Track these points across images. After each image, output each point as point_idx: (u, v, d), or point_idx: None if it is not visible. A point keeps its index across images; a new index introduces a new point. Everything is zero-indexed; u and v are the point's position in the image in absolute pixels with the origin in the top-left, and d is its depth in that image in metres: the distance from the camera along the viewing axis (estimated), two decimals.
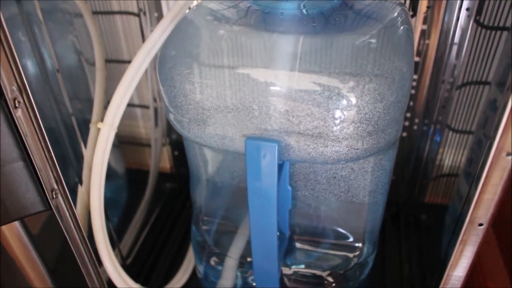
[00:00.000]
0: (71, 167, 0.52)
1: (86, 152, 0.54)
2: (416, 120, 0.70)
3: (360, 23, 0.42)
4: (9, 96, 0.36)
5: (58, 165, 0.43)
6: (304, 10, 0.42)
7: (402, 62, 0.38)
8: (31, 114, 0.39)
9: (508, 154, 0.33)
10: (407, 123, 0.71)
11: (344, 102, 0.35)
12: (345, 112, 0.35)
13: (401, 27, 0.43)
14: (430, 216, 0.75)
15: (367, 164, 0.44)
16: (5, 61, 0.36)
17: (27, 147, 0.39)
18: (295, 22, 0.41)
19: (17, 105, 0.37)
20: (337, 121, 0.35)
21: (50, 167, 0.42)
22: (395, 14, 0.45)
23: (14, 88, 0.37)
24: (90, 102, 0.62)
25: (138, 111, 0.81)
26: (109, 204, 0.71)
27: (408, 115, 0.70)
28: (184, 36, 0.44)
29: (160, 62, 0.42)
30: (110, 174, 0.72)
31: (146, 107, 0.80)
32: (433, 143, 0.71)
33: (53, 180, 0.43)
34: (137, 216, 0.77)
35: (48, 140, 0.41)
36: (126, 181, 0.78)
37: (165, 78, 0.41)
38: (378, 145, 0.38)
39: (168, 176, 0.88)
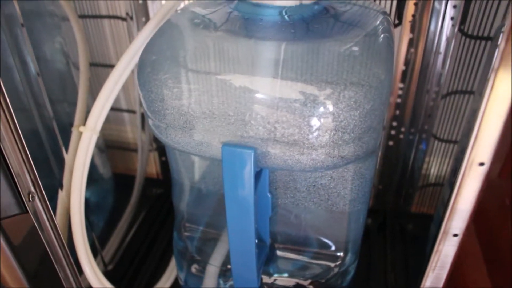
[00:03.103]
0: (53, 171, 0.52)
1: (67, 157, 0.53)
2: (403, 129, 0.70)
3: (340, 31, 0.42)
4: None
5: (38, 169, 0.43)
6: (285, 16, 0.41)
7: (380, 70, 0.38)
8: (8, 117, 0.38)
9: (480, 164, 0.33)
10: (393, 132, 0.71)
11: (319, 109, 0.35)
12: (320, 120, 0.35)
13: (382, 36, 0.43)
14: (416, 225, 0.75)
15: (346, 172, 0.44)
16: None
17: (3, 150, 0.39)
18: (274, 28, 0.40)
19: None
20: (313, 129, 0.35)
21: (27, 170, 0.42)
22: (377, 22, 0.45)
23: None
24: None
25: (125, 116, 0.81)
26: (94, 209, 0.71)
27: (395, 124, 0.70)
28: (164, 41, 0.43)
29: (140, 66, 0.42)
30: (96, 178, 0.72)
31: (133, 112, 0.79)
32: (419, 153, 0.71)
33: (30, 183, 0.42)
34: (122, 221, 0.76)
35: (28, 144, 0.41)
36: (113, 186, 0.78)
37: (144, 82, 0.40)
38: (356, 153, 0.38)
39: (155, 182, 0.87)
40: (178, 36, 0.44)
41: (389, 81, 0.40)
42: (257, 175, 0.42)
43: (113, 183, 0.78)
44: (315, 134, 0.35)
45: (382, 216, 0.77)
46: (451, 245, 0.38)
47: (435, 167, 0.70)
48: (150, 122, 0.42)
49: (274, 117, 0.36)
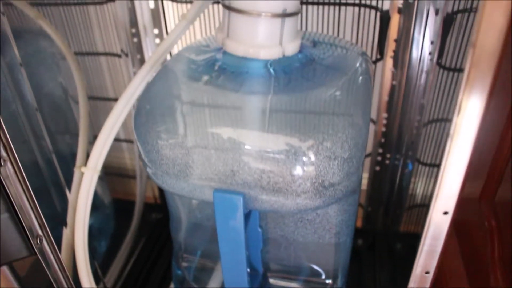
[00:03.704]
0: (57, 209, 0.55)
1: (70, 195, 0.57)
2: (388, 155, 0.73)
3: (321, 79, 0.46)
4: None
5: (43, 210, 0.46)
6: (270, 69, 0.45)
7: (357, 118, 0.42)
8: (16, 169, 0.42)
9: (444, 213, 0.36)
10: (380, 158, 0.74)
11: (300, 160, 0.38)
12: (301, 170, 0.39)
13: (360, 78, 0.46)
14: (404, 245, 0.78)
15: (330, 209, 0.48)
16: None
17: (12, 199, 0.43)
18: (259, 81, 0.44)
19: (2, 164, 0.40)
20: (295, 178, 0.39)
21: (35, 216, 0.45)
22: (356, 65, 0.48)
23: (1, 147, 0.40)
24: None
25: (123, 144, 0.85)
26: (96, 234, 0.74)
27: (381, 150, 0.73)
28: (159, 90, 0.47)
29: (136, 115, 0.46)
30: (97, 205, 0.75)
31: (131, 141, 0.83)
32: (404, 176, 0.74)
33: (37, 227, 0.46)
34: (124, 246, 0.80)
35: (31, 183, 0.44)
36: (113, 211, 0.81)
37: (140, 133, 0.44)
38: (336, 196, 0.42)
39: (154, 207, 0.91)
40: (172, 87, 0.47)
41: (366, 126, 0.43)
42: (247, 214, 0.45)
43: (113, 209, 0.81)
44: (297, 183, 0.39)
45: (372, 237, 0.81)
46: (423, 281, 0.42)
47: (420, 189, 0.74)
48: (147, 169, 0.46)
49: (260, 168, 0.39)
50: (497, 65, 0.31)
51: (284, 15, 0.43)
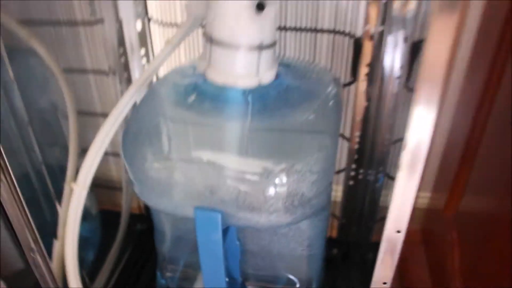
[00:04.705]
0: (46, 219, 0.59)
1: (61, 209, 0.60)
2: (361, 171, 0.78)
3: (294, 106, 0.50)
4: None
5: (37, 224, 0.50)
6: (248, 97, 0.49)
7: (326, 141, 0.47)
8: (12, 189, 0.45)
9: (397, 232, 0.41)
10: (353, 173, 0.79)
11: (273, 183, 0.43)
12: (274, 191, 0.43)
13: (331, 103, 0.51)
14: (375, 254, 0.83)
15: (302, 224, 0.52)
16: None
17: (8, 214, 0.46)
18: (237, 108, 0.48)
19: None
20: (267, 198, 0.43)
21: (29, 230, 0.49)
22: (328, 90, 0.53)
23: None
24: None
25: (110, 157, 0.88)
26: (83, 244, 0.77)
27: (354, 166, 0.78)
28: (146, 113, 0.51)
29: (124, 137, 0.50)
30: (84, 215, 0.78)
31: (118, 155, 0.86)
32: (376, 190, 0.79)
33: (31, 241, 0.49)
34: (110, 256, 0.83)
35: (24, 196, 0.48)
36: (100, 222, 0.84)
37: (127, 154, 0.48)
38: (306, 214, 0.46)
39: (139, 218, 0.94)
40: (158, 110, 0.51)
41: (334, 149, 0.48)
42: (226, 229, 0.49)
43: (100, 219, 0.84)
44: (269, 202, 0.43)
45: (346, 247, 0.85)
46: None
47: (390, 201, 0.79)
48: (133, 186, 0.50)
49: (237, 188, 0.44)
50: (443, 83, 0.34)
51: (261, 47, 0.47)
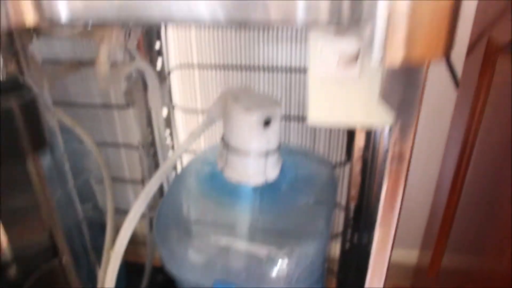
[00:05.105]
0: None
1: (100, 272, 0.72)
2: (356, 235, 0.89)
3: (295, 196, 0.62)
4: None
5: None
6: (257, 192, 0.61)
7: (321, 226, 0.58)
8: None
9: None
10: (349, 237, 0.90)
11: (276, 263, 0.54)
12: (276, 270, 0.54)
13: (327, 190, 0.63)
14: None
15: None
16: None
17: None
18: (249, 201, 0.60)
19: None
20: (271, 275, 0.55)
21: None
22: (324, 178, 0.65)
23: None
24: None
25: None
26: None
27: (349, 231, 0.89)
28: (173, 201, 0.63)
29: (157, 222, 0.62)
30: None
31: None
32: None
33: None
34: None
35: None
36: (124, 273, 0.96)
37: (159, 236, 0.60)
38: (305, 283, 0.57)
39: (161, 270, 1.05)
40: (183, 199, 0.63)
41: (327, 233, 0.59)
42: None
43: (125, 271, 0.96)
44: (273, 278, 0.55)
45: None
46: None
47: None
48: (163, 259, 0.62)
49: (247, 266, 0.55)
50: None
51: (267, 153, 0.59)
